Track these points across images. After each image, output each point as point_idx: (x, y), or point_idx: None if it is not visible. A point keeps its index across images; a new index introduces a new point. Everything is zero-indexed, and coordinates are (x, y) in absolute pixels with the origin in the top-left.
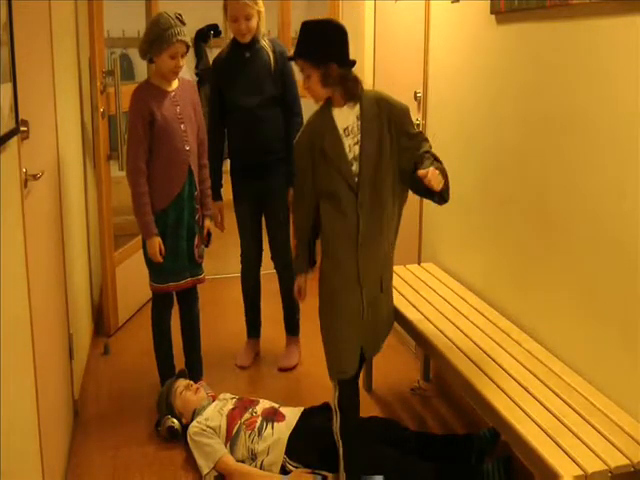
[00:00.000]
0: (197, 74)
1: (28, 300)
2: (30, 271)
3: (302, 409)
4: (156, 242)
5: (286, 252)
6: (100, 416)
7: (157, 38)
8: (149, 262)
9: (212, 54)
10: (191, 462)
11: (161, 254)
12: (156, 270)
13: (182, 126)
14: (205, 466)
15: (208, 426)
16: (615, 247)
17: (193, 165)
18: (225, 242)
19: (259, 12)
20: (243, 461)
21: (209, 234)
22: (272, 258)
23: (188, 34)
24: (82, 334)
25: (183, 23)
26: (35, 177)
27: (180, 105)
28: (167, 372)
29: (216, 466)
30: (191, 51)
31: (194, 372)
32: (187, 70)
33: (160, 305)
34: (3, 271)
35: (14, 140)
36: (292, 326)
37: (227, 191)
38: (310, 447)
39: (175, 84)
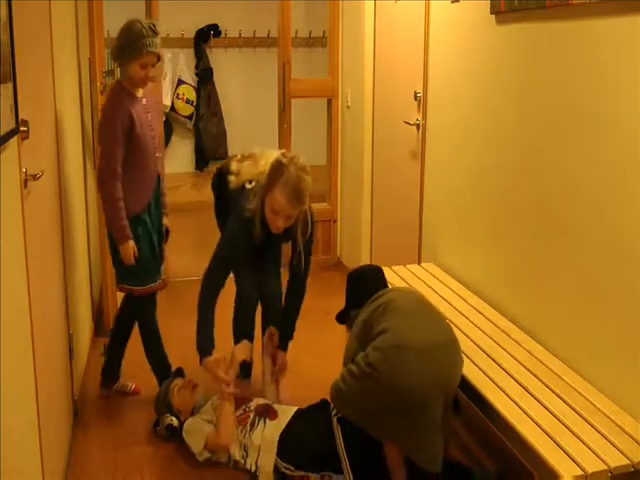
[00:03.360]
0: (197, 74)
1: (28, 300)
2: (30, 271)
3: (296, 409)
4: (131, 246)
5: (279, 301)
6: (100, 416)
7: (127, 46)
8: (127, 268)
9: (212, 54)
10: (191, 462)
11: (135, 258)
12: (137, 274)
13: (152, 133)
14: (195, 448)
15: (203, 419)
16: (615, 246)
17: (160, 171)
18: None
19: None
20: (235, 460)
21: (167, 232)
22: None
23: (183, 39)
24: (82, 334)
25: (156, 33)
26: (35, 177)
27: (150, 112)
28: (164, 372)
29: (207, 446)
30: (191, 51)
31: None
32: (187, 70)
33: (147, 307)
34: (3, 271)
35: (14, 140)
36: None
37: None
38: (299, 448)
39: (142, 90)
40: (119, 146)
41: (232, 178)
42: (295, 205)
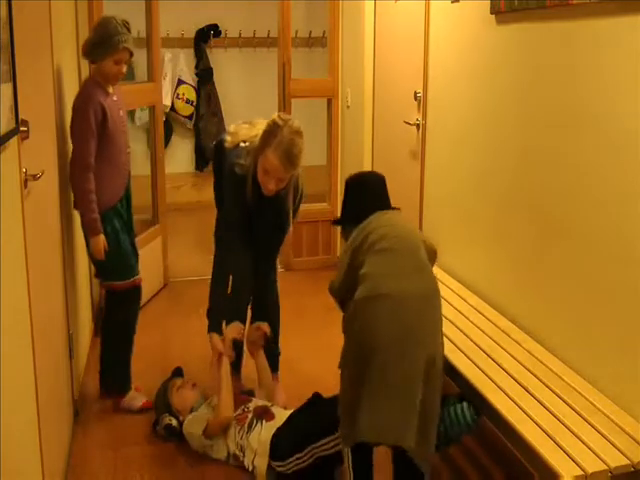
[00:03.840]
0: (197, 74)
1: (28, 300)
2: (30, 271)
3: (291, 412)
4: (101, 240)
5: (273, 263)
6: (100, 416)
7: (103, 42)
8: (109, 264)
9: (212, 54)
10: (191, 462)
11: (105, 252)
12: (119, 268)
13: (123, 128)
14: (196, 433)
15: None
16: (615, 246)
17: (130, 166)
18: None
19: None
20: (234, 454)
21: None
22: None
23: (186, 32)
24: (82, 334)
25: (129, 31)
26: (35, 177)
27: (122, 109)
28: (119, 382)
29: (206, 430)
30: (191, 51)
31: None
32: (187, 70)
33: (131, 302)
34: (3, 271)
35: (14, 140)
36: (273, 362)
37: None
38: (292, 443)
39: (112, 88)
40: (92, 138)
41: (228, 138)
42: (287, 167)
